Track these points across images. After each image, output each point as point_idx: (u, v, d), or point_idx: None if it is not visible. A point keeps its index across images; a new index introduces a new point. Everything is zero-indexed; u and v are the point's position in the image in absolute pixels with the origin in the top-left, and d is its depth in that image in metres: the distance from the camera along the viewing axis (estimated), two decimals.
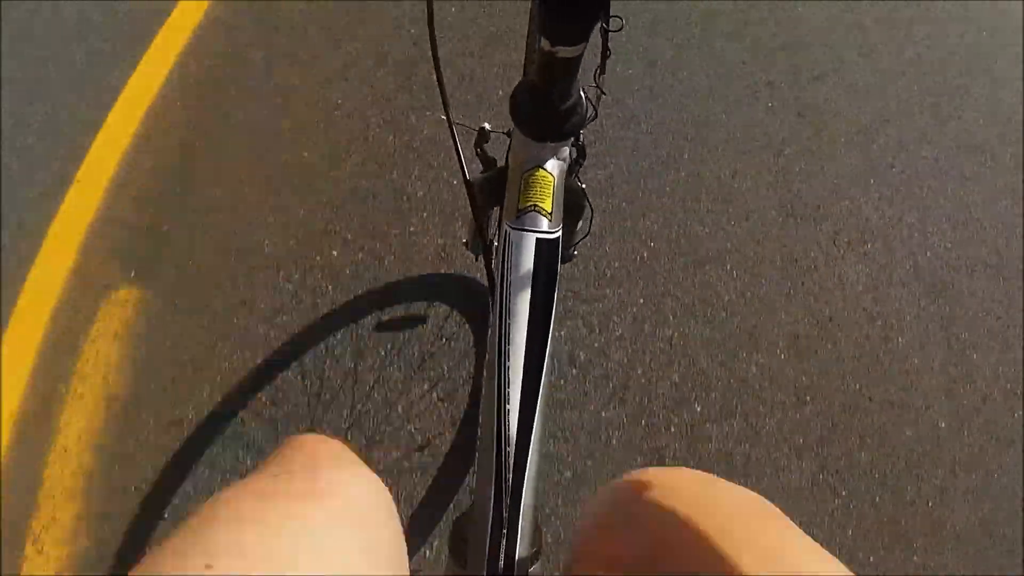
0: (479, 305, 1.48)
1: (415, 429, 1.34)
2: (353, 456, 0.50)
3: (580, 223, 1.06)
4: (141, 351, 1.40)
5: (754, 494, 0.39)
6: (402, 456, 1.32)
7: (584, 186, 0.95)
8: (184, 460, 1.30)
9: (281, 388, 1.37)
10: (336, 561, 0.32)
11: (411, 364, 1.41)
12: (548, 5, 0.64)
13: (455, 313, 1.47)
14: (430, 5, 0.70)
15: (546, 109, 0.77)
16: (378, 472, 0.49)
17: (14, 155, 1.62)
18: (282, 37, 1.88)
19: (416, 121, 1.75)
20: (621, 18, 0.69)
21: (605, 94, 0.80)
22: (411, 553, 1.22)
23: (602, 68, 0.78)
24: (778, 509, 0.37)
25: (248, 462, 1.30)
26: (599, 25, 0.69)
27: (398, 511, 0.49)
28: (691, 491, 0.40)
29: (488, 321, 0.95)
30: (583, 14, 0.64)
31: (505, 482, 0.60)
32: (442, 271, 1.52)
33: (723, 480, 0.40)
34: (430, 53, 0.73)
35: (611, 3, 0.67)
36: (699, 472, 0.44)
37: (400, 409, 1.36)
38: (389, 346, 1.43)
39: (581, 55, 0.69)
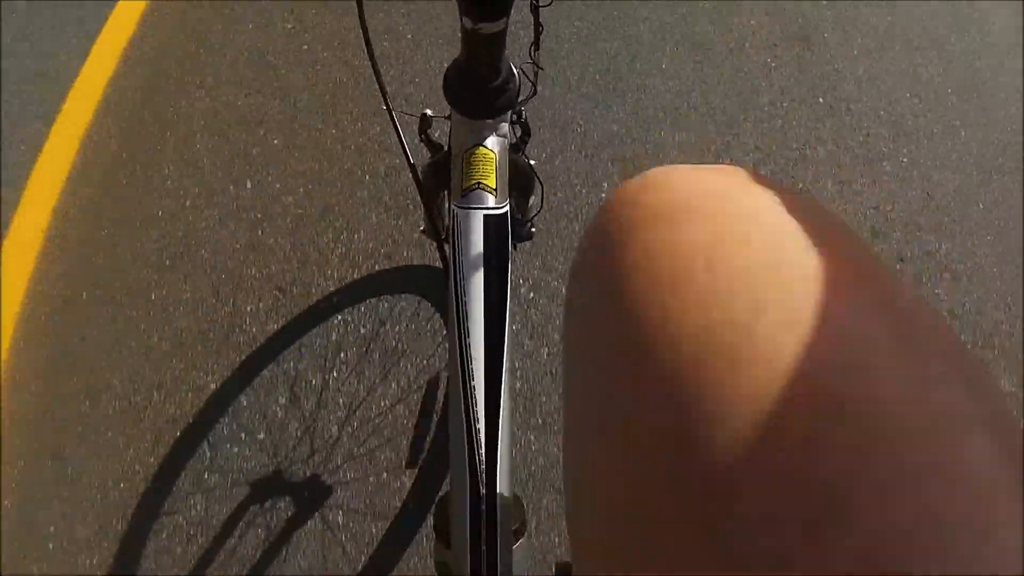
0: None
1: None
2: None
3: (532, 198, 1.07)
4: None
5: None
6: None
7: (533, 162, 0.96)
8: None
9: None
10: None
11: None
12: None
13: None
14: None
15: (476, 87, 0.77)
16: None
17: None
18: None
19: None
20: None
21: (542, 69, 0.80)
22: (404, 543, 1.21)
23: (536, 43, 0.78)
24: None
25: None
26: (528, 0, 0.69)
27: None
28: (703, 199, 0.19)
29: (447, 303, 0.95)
30: None
31: (478, 459, 0.61)
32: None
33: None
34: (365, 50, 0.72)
35: None
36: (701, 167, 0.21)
37: None
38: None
39: (504, 30, 0.69)
